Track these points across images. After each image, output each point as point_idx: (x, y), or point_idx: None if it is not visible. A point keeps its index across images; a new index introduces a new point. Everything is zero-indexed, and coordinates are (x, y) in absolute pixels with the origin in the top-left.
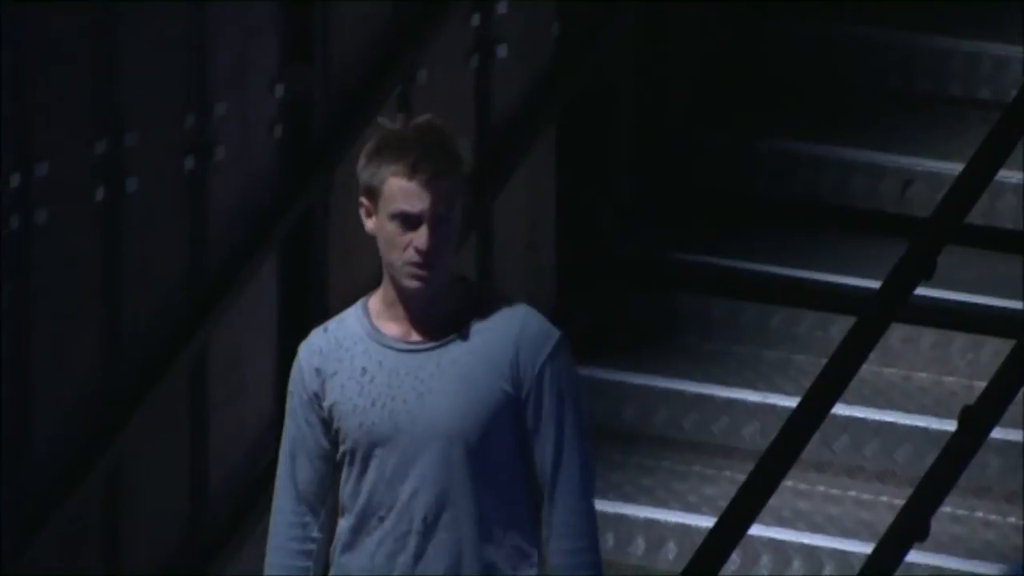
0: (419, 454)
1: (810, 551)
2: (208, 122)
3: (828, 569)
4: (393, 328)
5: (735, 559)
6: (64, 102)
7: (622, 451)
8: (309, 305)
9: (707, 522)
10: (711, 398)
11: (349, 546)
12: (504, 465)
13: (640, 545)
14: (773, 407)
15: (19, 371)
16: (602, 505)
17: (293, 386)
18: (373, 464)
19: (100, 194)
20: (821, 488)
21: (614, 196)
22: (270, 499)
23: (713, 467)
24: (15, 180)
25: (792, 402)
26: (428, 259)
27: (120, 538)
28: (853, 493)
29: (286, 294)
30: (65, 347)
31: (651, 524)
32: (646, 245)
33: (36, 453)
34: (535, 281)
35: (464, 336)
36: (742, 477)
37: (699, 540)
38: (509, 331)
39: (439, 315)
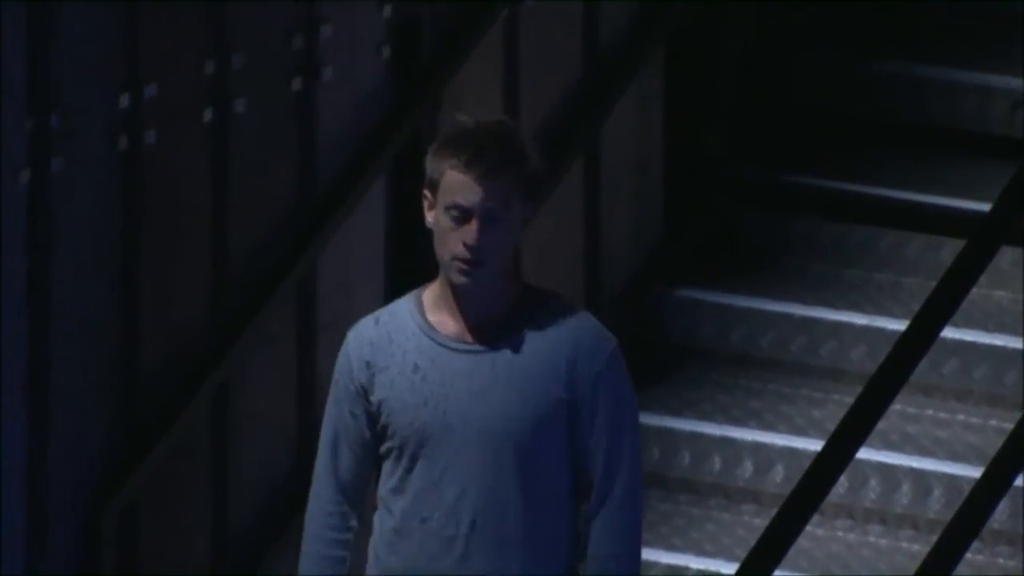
0: (469, 456)
1: (918, 475)
2: (316, 43)
3: (936, 493)
4: (448, 326)
5: (843, 483)
6: (173, 23)
7: (730, 375)
8: (417, 227)
9: (815, 445)
10: (819, 321)
11: (391, 546)
12: (553, 470)
13: (748, 468)
14: (881, 330)
15: (128, 292)
16: (710, 428)
17: (340, 375)
18: (420, 463)
19: (208, 115)
20: (930, 412)
21: (723, 118)
22: None
23: (821, 390)
24: (124, 101)
25: (901, 325)
26: (477, 255)
27: (228, 458)
28: (962, 417)
29: (394, 216)
30: (173, 268)
31: (759, 447)
32: (755, 167)
33: (146, 372)
34: (643, 203)
35: (521, 340)
36: (850, 400)
37: (807, 463)
38: (566, 337)
39: (495, 316)
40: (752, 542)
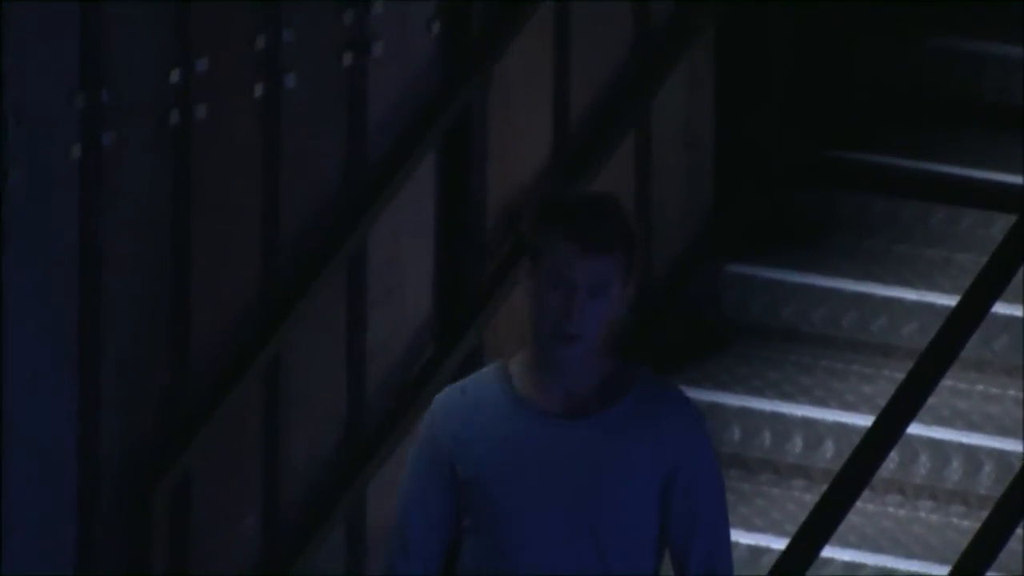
0: (558, 533)
1: (969, 451)
2: (367, 18)
3: (987, 468)
4: (538, 399)
5: (893, 458)
6: None
7: (780, 350)
8: (467, 203)
9: (865, 421)
10: (870, 297)
11: None
12: (644, 548)
13: (798, 443)
14: (932, 305)
15: (179, 268)
16: (760, 403)
17: (424, 446)
18: (506, 538)
19: (259, 90)
20: (980, 387)
21: (773, 94)
22: (428, 399)
23: (872, 366)
24: (175, 76)
25: (951, 300)
26: (578, 330)
27: (279, 433)
28: (1012, 392)
29: (444, 191)
30: (224, 244)
31: (809, 423)
32: (805, 143)
33: (197, 348)
34: (693, 180)
35: (613, 415)
36: (900, 376)
37: (857, 439)
38: (657, 415)
39: (586, 390)
40: (802, 517)
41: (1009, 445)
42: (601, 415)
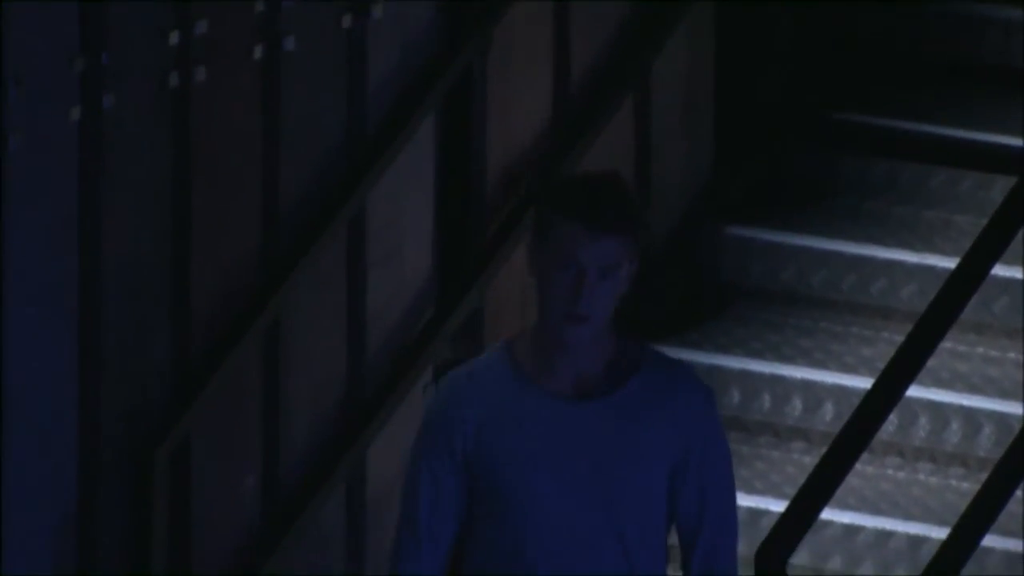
0: (576, 514)
1: (968, 413)
2: None
3: (987, 431)
4: (547, 380)
5: (893, 421)
6: None
7: (780, 312)
8: (467, 164)
9: (865, 384)
10: (870, 259)
11: None
12: (653, 528)
13: (797, 406)
14: (932, 268)
15: (179, 229)
16: (759, 366)
17: (433, 433)
18: (522, 522)
19: (258, 52)
20: (980, 350)
21: (774, 56)
22: (428, 359)
23: (871, 328)
24: (174, 38)
25: (951, 263)
26: (587, 311)
27: (279, 395)
28: (1012, 355)
29: (444, 153)
30: (224, 206)
31: (809, 385)
32: (806, 105)
33: (197, 309)
34: (694, 142)
35: (624, 394)
36: (900, 338)
37: (856, 402)
38: (668, 394)
39: (595, 369)
40: (801, 480)
41: (1008, 407)
42: (613, 396)
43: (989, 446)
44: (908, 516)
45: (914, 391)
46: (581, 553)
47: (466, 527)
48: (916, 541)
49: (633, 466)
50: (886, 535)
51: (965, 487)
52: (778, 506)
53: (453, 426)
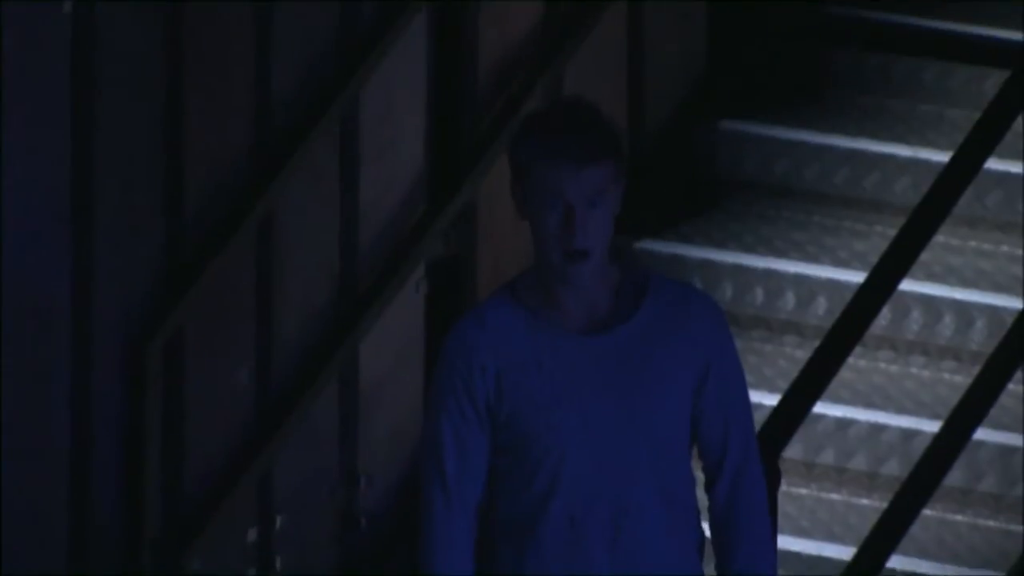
0: (606, 449)
1: (961, 307)
2: None
3: (979, 324)
4: (561, 318)
5: (885, 314)
6: None
7: (773, 206)
8: (459, 61)
9: (858, 277)
10: (863, 153)
11: (524, 549)
12: (682, 454)
13: (790, 300)
14: (925, 162)
15: (173, 123)
16: (752, 260)
17: (451, 382)
18: (553, 465)
19: None
20: (973, 243)
21: None
22: (420, 254)
23: (864, 222)
24: None
25: (944, 157)
26: (585, 244)
27: (272, 289)
28: (1005, 248)
29: (436, 47)
30: (217, 101)
31: (801, 279)
32: None
33: (190, 203)
34: (686, 36)
35: (638, 320)
36: (893, 232)
37: (849, 295)
38: (682, 315)
39: (604, 302)
40: (794, 374)
41: (1001, 301)
42: (628, 324)
43: (981, 339)
44: (900, 409)
45: (907, 285)
46: (615, 487)
47: (487, 492)
48: (908, 434)
49: (658, 391)
50: (878, 428)
51: (957, 380)
52: (771, 400)
53: (472, 378)
